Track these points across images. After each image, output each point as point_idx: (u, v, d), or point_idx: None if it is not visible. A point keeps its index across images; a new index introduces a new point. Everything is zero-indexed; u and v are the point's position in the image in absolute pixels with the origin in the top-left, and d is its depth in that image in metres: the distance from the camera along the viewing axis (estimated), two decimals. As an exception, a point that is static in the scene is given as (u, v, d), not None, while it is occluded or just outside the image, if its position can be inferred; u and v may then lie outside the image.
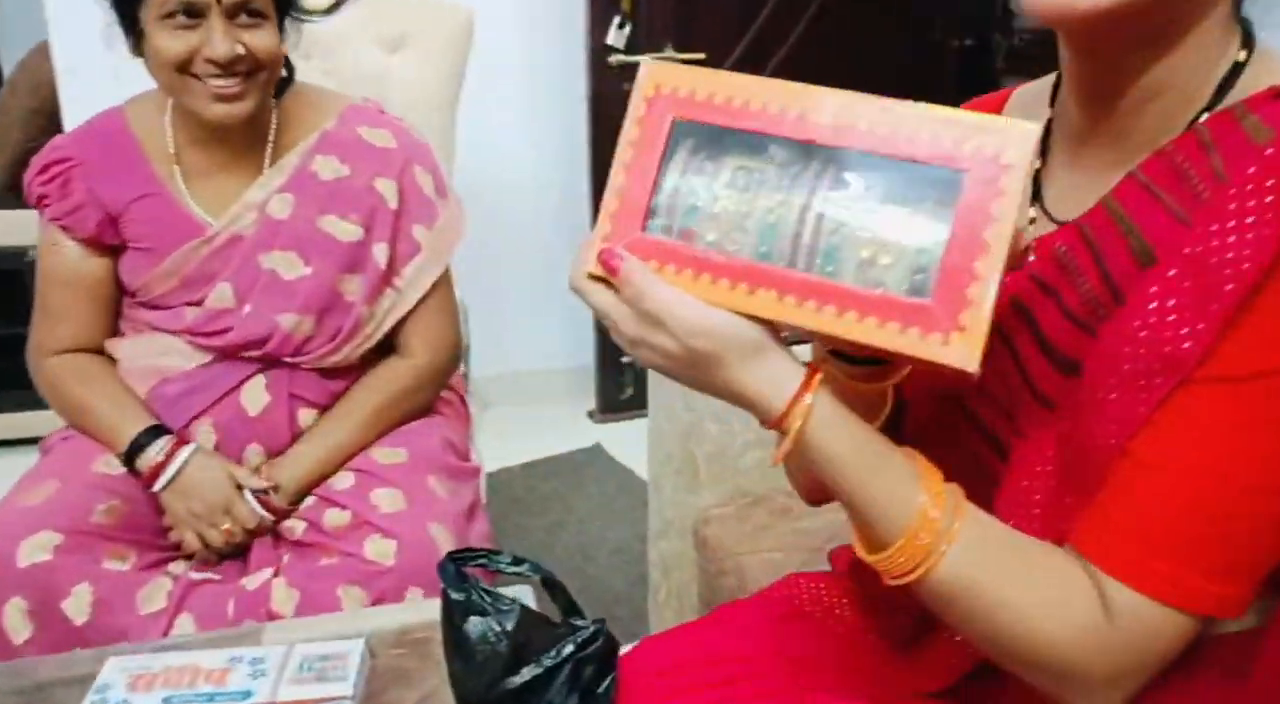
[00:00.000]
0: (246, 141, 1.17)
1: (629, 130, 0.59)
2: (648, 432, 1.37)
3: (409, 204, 1.22)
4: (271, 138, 1.18)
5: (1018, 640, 0.54)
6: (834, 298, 0.53)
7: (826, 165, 0.54)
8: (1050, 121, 0.66)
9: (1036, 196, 0.65)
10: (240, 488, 1.11)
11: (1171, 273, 0.52)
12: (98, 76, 2.14)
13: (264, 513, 1.11)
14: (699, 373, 0.56)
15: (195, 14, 1.05)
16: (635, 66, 2.33)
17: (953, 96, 0.63)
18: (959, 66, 2.70)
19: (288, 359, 1.17)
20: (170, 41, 1.05)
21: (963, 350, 0.50)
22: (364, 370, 1.23)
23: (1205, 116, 0.56)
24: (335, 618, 0.97)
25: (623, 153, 0.59)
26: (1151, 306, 0.52)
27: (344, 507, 1.09)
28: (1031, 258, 0.60)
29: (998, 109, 0.71)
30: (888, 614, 0.75)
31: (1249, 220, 0.49)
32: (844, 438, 0.55)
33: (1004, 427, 0.64)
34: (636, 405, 2.58)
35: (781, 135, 0.55)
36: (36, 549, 0.99)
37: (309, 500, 1.13)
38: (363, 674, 0.80)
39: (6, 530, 1.00)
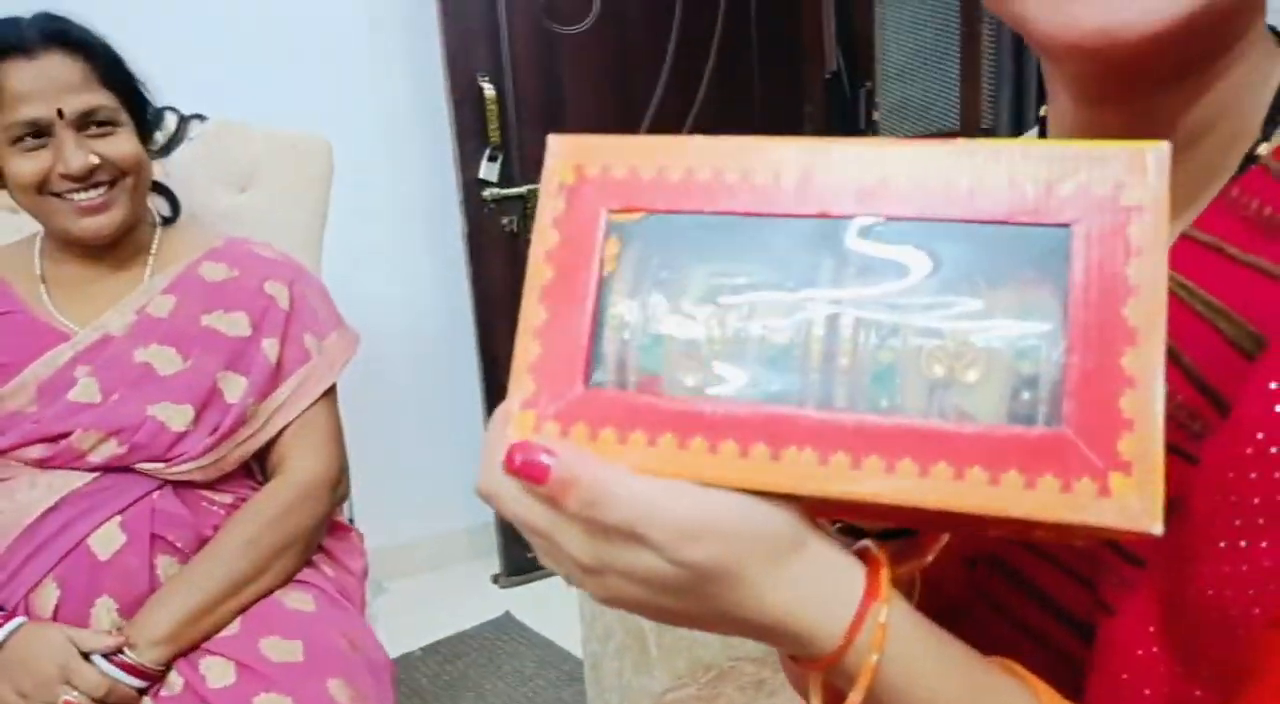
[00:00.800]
0: (125, 257, 1.15)
1: (544, 238, 0.39)
2: (579, 603, 1.16)
3: (300, 310, 1.19)
4: (154, 252, 1.17)
5: None
6: (905, 447, 0.34)
7: (852, 247, 0.36)
8: None
9: None
10: (87, 657, 0.97)
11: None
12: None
13: (122, 676, 0.97)
14: (700, 602, 0.36)
15: (42, 133, 1.04)
16: (513, 199, 2.28)
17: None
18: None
19: (150, 465, 1.06)
20: (22, 164, 1.05)
21: (1134, 500, 0.32)
22: (238, 507, 1.11)
23: (1264, 148, 0.43)
24: None
25: (538, 273, 0.38)
26: (1274, 408, 0.37)
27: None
28: None
29: None
30: None
31: None
32: (933, 667, 0.37)
33: (1082, 599, 0.47)
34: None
35: (777, 212, 0.37)
36: None
37: (175, 683, 1.00)
38: None
39: None
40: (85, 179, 1.05)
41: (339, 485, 1.19)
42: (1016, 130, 2.05)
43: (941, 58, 2.26)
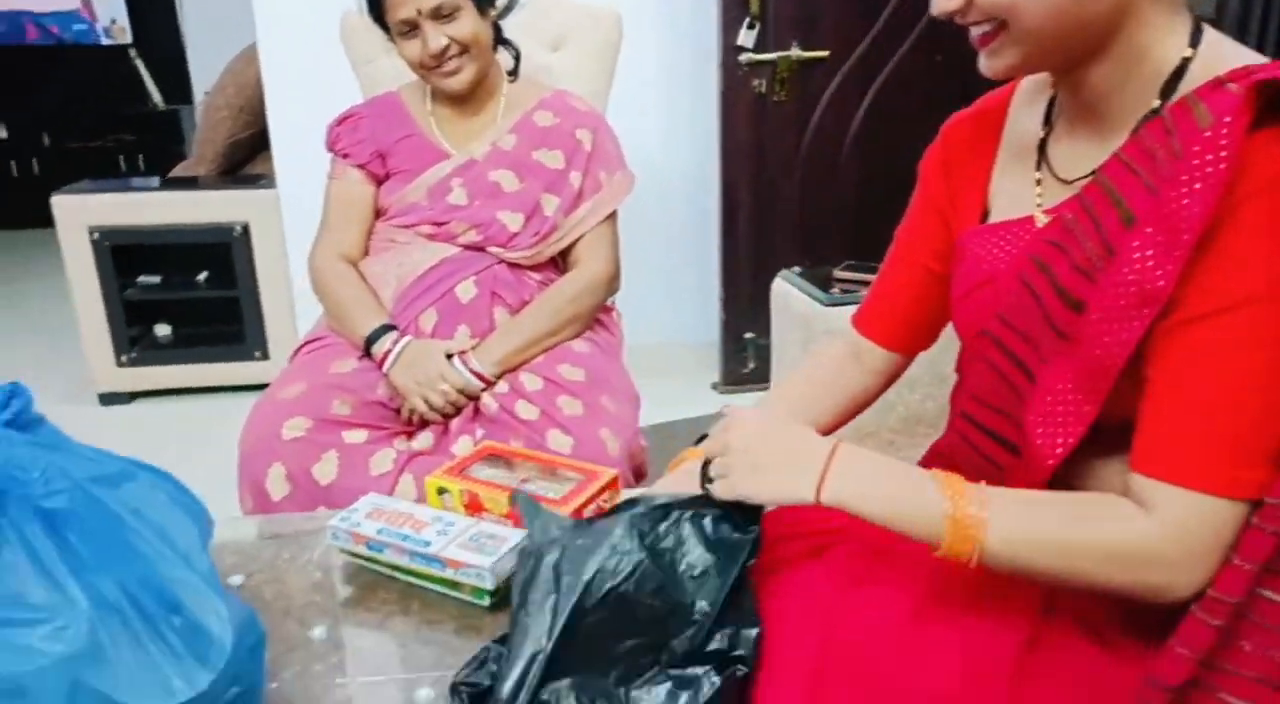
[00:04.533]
0: (482, 100, 1.59)
1: None
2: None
3: (599, 151, 1.59)
4: (504, 98, 1.60)
5: (1089, 560, 0.67)
6: None
7: None
8: (1053, 99, 0.82)
9: (1044, 160, 0.81)
10: (450, 357, 1.41)
11: (1148, 230, 0.66)
12: (296, 78, 2.51)
13: (469, 376, 1.40)
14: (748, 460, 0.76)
15: (413, 26, 1.46)
16: (764, 64, 2.57)
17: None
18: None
19: (496, 249, 1.52)
20: (406, 48, 1.48)
21: None
22: (544, 287, 1.54)
23: (1169, 103, 0.71)
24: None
25: None
26: (1135, 256, 0.66)
27: (534, 402, 1.35)
28: (1047, 220, 0.77)
29: (1009, 95, 0.88)
30: None
31: (1196, 186, 0.63)
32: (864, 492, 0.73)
33: (1030, 355, 0.77)
34: (757, 379, 2.77)
35: None
36: (294, 429, 1.28)
37: (503, 387, 1.40)
38: (512, 555, 0.92)
39: (272, 415, 1.30)
40: (441, 55, 1.46)
41: (614, 281, 1.60)
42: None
43: None
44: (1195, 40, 0.72)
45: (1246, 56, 0.71)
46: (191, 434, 2.50)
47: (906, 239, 0.97)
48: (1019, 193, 0.84)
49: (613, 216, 1.61)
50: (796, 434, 0.77)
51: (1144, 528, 0.66)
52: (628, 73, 2.21)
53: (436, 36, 1.45)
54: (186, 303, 2.87)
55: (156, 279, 2.84)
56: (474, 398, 1.42)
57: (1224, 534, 0.65)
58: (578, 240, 1.57)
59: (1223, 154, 0.63)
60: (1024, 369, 0.78)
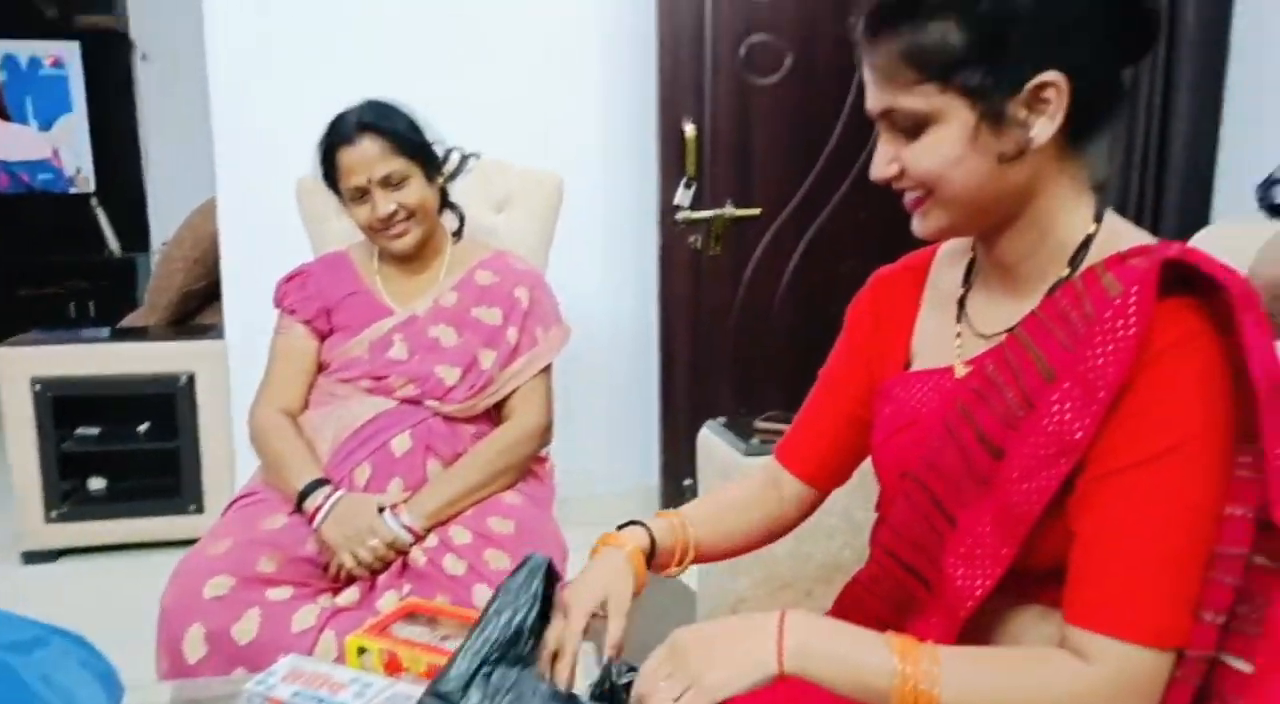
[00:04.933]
0: (427, 259, 1.68)
1: None
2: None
3: (535, 308, 1.68)
4: (447, 258, 1.70)
5: None
6: None
7: None
8: (972, 260, 0.91)
9: (963, 314, 0.89)
10: (381, 511, 1.43)
11: (1066, 385, 0.73)
12: (251, 232, 2.60)
13: (400, 530, 1.42)
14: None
15: (364, 192, 1.57)
16: (699, 222, 2.73)
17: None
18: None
19: (433, 402, 1.57)
20: (357, 212, 1.60)
21: None
22: (478, 439, 1.58)
23: (1079, 272, 0.79)
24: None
25: None
26: (1054, 410, 0.72)
27: (461, 557, 1.36)
28: (966, 371, 0.84)
29: (932, 255, 0.96)
30: None
31: (1110, 348, 0.70)
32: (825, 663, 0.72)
33: (951, 498, 0.82)
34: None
35: None
36: (217, 587, 1.27)
37: (432, 541, 1.41)
38: None
39: (196, 572, 1.29)
40: (390, 219, 1.56)
41: (547, 432, 1.66)
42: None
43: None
44: (1099, 215, 0.81)
45: (1140, 236, 0.81)
46: (118, 592, 2.42)
47: (829, 380, 1.02)
48: (940, 344, 0.90)
49: (547, 370, 1.67)
50: (736, 618, 0.77)
51: (1089, 683, 0.69)
52: (572, 229, 2.32)
53: (386, 203, 1.55)
54: (124, 455, 2.83)
55: (95, 430, 2.80)
56: (403, 552, 1.42)
57: (1159, 683, 0.69)
58: (512, 393, 1.63)
59: (1132, 319, 0.70)
60: (944, 512, 0.83)
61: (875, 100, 0.80)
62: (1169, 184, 2.49)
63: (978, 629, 0.81)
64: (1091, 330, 0.72)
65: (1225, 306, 0.70)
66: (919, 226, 0.83)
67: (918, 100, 0.76)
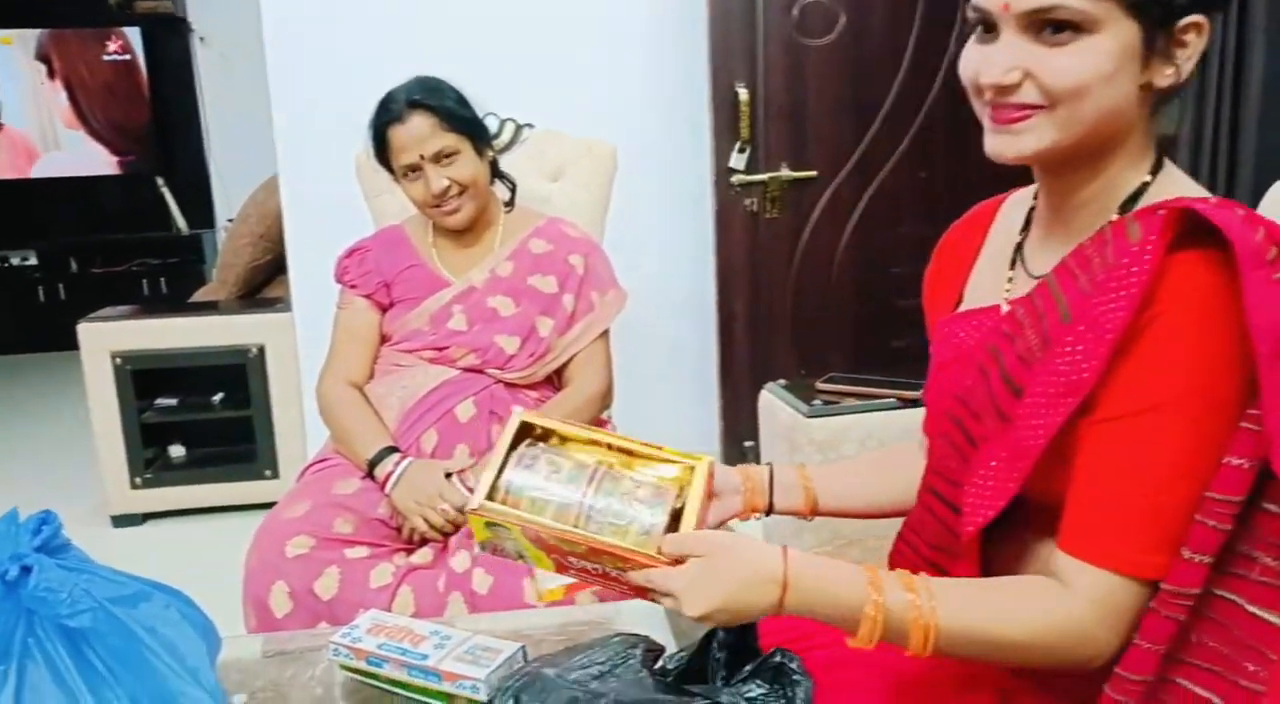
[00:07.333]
0: (480, 232, 1.71)
1: None
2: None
3: (591, 274, 1.70)
4: (501, 228, 1.72)
5: (1024, 640, 0.73)
6: None
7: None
8: (1033, 208, 0.91)
9: (1018, 257, 0.89)
10: (449, 476, 1.46)
11: (1080, 328, 0.74)
12: (313, 208, 2.66)
13: (467, 494, 1.42)
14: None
15: (416, 169, 1.58)
16: (755, 184, 2.72)
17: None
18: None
19: (494, 371, 1.61)
20: (410, 189, 1.62)
21: None
22: (540, 403, 1.61)
23: (1113, 219, 0.79)
24: (514, 616, 1.23)
25: None
26: (1066, 350, 0.74)
27: None
28: (1006, 309, 0.85)
29: (999, 205, 0.97)
30: None
31: (1120, 293, 0.71)
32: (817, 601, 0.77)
33: (979, 431, 0.84)
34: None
35: None
36: (298, 547, 1.33)
37: None
38: (507, 666, 0.97)
39: (277, 534, 1.35)
40: (443, 195, 1.59)
41: (607, 396, 1.70)
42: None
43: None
44: (1156, 169, 0.81)
45: (1191, 189, 0.80)
46: (201, 552, 2.54)
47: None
48: (992, 285, 0.91)
49: (605, 335, 1.70)
50: (750, 569, 0.78)
51: (1068, 607, 0.73)
52: (629, 196, 2.34)
53: (438, 178, 1.58)
54: (201, 424, 2.96)
55: (173, 401, 2.93)
56: None
57: (1133, 611, 0.73)
58: (572, 359, 1.66)
59: (1146, 267, 0.71)
60: (974, 444, 0.85)
61: None
62: (1244, 135, 2.40)
63: (1002, 563, 0.84)
64: (1109, 276, 0.73)
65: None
66: (1009, 144, 0.78)
67: (1086, 1, 0.72)
